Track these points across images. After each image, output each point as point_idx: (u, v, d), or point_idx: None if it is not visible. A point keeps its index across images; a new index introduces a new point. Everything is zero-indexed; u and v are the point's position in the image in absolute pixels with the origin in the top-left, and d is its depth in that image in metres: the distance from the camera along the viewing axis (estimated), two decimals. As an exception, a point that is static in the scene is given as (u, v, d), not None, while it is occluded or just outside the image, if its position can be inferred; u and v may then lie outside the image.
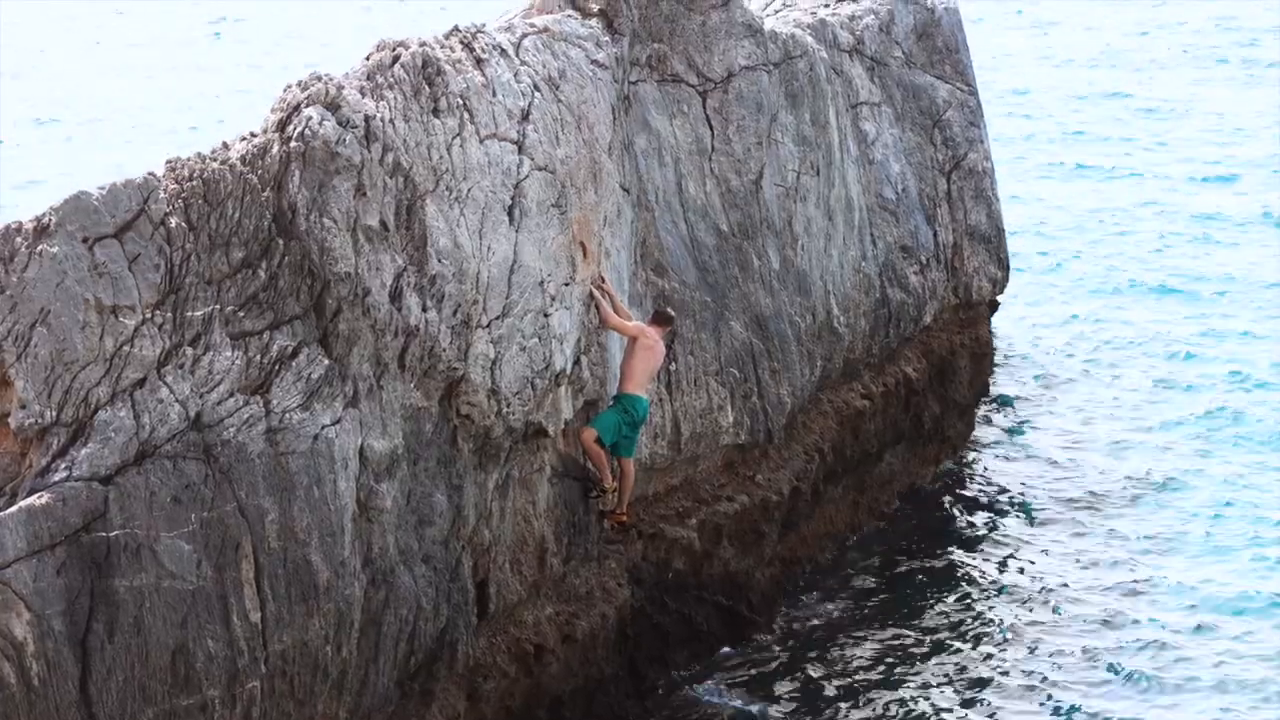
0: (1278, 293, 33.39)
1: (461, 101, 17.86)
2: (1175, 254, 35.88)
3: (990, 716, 20.34)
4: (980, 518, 24.95)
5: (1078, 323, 32.04)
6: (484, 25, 19.11)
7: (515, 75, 18.62)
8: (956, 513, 25.17)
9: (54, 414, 15.06)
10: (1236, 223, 37.64)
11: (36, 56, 57.31)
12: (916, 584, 23.18)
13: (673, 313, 20.01)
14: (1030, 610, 22.34)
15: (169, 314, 15.55)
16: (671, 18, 21.68)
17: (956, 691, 20.74)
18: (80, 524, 14.80)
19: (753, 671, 21.05)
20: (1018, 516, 24.85)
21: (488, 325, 17.74)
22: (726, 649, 21.28)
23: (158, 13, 63.14)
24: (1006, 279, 26.99)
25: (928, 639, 21.83)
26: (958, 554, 23.96)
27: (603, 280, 19.23)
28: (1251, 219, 37.95)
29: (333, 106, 16.72)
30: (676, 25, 21.71)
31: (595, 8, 20.37)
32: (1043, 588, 22.86)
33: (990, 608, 22.51)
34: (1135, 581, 22.95)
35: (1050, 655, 21.35)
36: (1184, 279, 34.32)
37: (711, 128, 21.94)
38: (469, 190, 17.68)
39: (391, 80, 17.34)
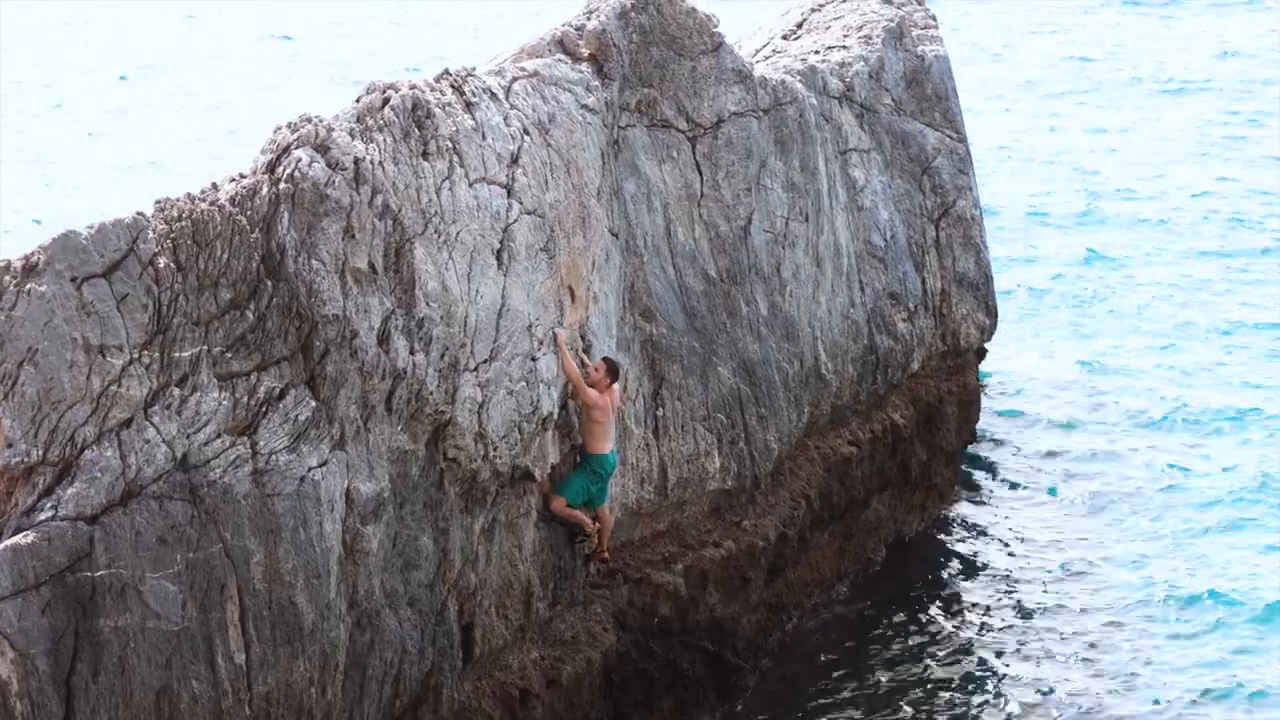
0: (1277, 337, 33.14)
1: (451, 145, 17.89)
2: (1173, 299, 35.65)
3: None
4: (966, 565, 24.91)
5: (1067, 370, 31.94)
6: (474, 69, 19.16)
7: (505, 119, 18.67)
8: (943, 560, 25.13)
9: (40, 453, 15.06)
10: (1239, 268, 37.21)
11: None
12: (902, 632, 23.14)
13: (618, 363, 19.64)
14: (1016, 659, 22.31)
15: (156, 354, 15.56)
16: (661, 63, 21.74)
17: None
18: (65, 564, 14.78)
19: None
20: (1003, 564, 24.80)
21: (475, 368, 17.74)
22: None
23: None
24: (994, 326, 26.99)
25: (913, 687, 21.79)
26: (944, 602, 23.93)
27: (555, 337, 18.93)
28: (1254, 263, 37.56)
29: (322, 148, 16.76)
30: (666, 70, 21.77)
31: (585, 52, 20.44)
32: (1028, 636, 22.82)
33: (975, 656, 22.47)
34: (1125, 630, 22.91)
35: (1036, 703, 21.31)
36: (1181, 323, 34.11)
37: (701, 173, 21.98)
38: (458, 233, 17.71)
39: (381, 123, 17.39)
